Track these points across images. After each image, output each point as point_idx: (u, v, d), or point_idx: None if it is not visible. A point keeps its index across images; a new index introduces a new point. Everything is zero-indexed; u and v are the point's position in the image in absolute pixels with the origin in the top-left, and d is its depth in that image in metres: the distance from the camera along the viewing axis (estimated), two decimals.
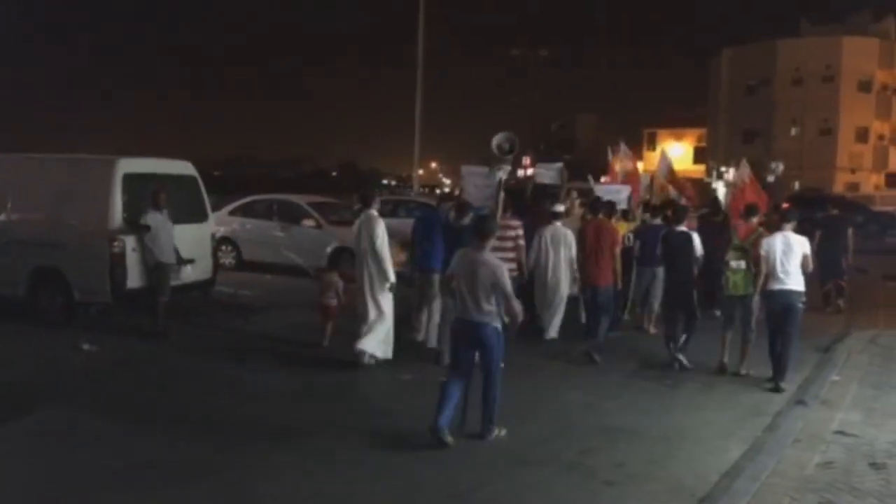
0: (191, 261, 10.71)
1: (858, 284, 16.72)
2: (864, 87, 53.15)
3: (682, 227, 9.68)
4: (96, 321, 10.48)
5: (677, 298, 9.58)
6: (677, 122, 67.70)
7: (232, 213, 17.13)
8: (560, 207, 11.09)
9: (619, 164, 17.06)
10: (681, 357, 9.34)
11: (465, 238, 7.59)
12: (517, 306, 6.60)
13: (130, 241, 10.06)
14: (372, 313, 8.86)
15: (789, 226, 8.77)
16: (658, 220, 11.48)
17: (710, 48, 65.14)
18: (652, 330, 11.24)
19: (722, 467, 6.24)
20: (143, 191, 10.20)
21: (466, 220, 8.82)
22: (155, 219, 10.00)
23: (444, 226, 9.59)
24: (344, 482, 5.78)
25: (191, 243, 10.66)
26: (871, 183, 51.11)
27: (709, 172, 57.66)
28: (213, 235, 11.68)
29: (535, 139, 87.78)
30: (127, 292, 10.13)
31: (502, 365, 6.83)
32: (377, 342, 8.92)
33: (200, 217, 11.32)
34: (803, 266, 8.62)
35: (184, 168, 11.44)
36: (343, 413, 7.37)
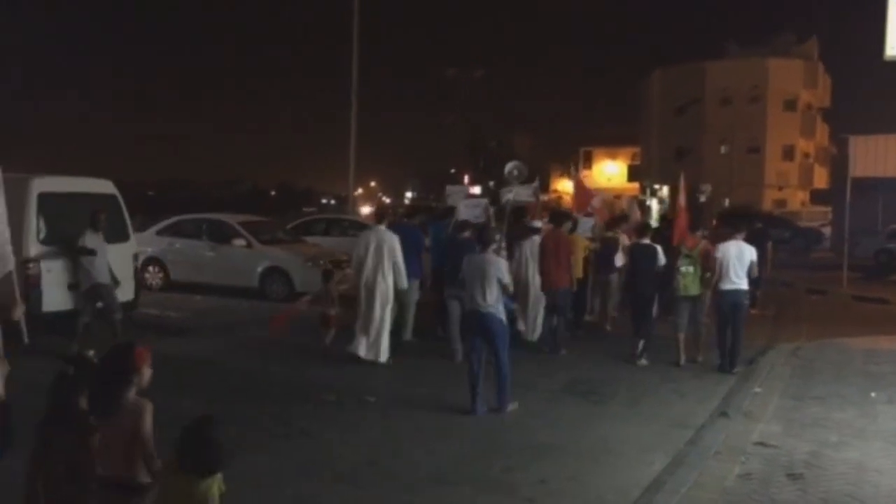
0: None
1: (784, 298, 17.16)
2: (790, 106, 54.86)
3: (646, 241, 10.99)
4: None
5: (637, 303, 10.80)
6: (612, 141, 68.86)
7: (160, 232, 16.73)
8: (538, 223, 12.21)
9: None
10: (643, 361, 10.42)
11: (465, 248, 9.46)
12: (511, 290, 8.42)
13: (46, 264, 9.73)
14: (376, 319, 9.91)
15: (741, 235, 10.31)
16: (611, 234, 12.82)
17: (642, 69, 66.54)
18: (608, 328, 12.61)
19: (644, 481, 6.25)
20: (59, 210, 9.89)
21: (466, 234, 10.53)
22: (93, 240, 9.75)
23: (447, 239, 11.19)
24: None
25: (111, 264, 10.35)
26: (797, 200, 52.64)
27: (643, 190, 58.73)
28: (135, 255, 11.38)
29: (473, 157, 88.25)
30: (42, 315, 9.77)
31: None
32: (381, 346, 9.97)
33: (121, 237, 10.98)
34: (750, 271, 10.04)
35: (103, 187, 11.09)
36: (260, 436, 7.18)
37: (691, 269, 10.22)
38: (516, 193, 14.90)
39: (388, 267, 9.90)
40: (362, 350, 9.95)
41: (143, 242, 16.65)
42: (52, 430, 3.76)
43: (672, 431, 7.60)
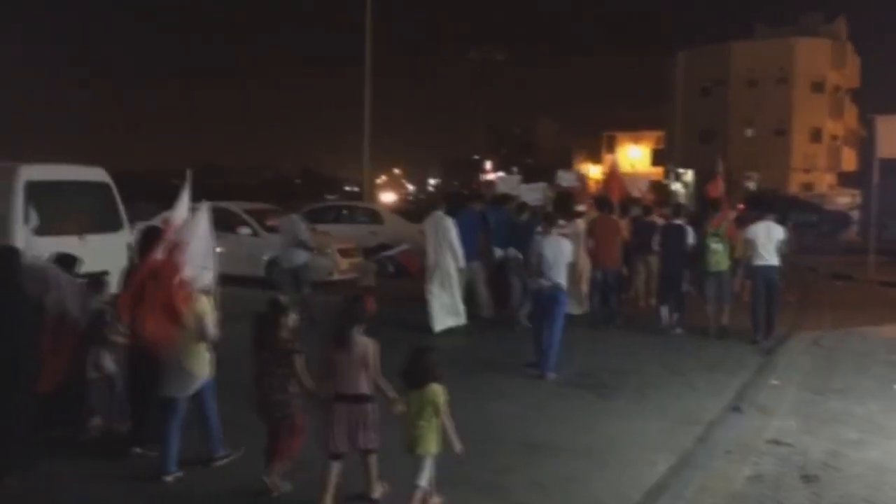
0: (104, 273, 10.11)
1: (807, 283, 16.59)
2: (817, 87, 53.47)
3: (679, 221, 11.80)
4: None
5: (669, 278, 11.61)
6: (635, 125, 67.87)
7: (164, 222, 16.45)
8: (582, 207, 13.50)
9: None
10: (678, 330, 11.38)
11: (525, 230, 10.55)
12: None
13: (34, 254, 9.45)
14: (444, 292, 11.11)
15: (772, 216, 11.05)
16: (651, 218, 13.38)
17: (666, 51, 65.23)
18: (642, 304, 13.45)
19: (646, 484, 5.85)
20: (49, 199, 9.60)
21: (525, 217, 11.66)
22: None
23: (507, 221, 12.13)
24: None
25: (103, 254, 10.04)
26: (824, 182, 51.49)
27: (667, 174, 57.85)
28: (129, 245, 11.08)
29: (496, 144, 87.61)
30: None
31: None
32: (448, 316, 11.16)
33: (114, 226, 10.69)
34: (780, 249, 10.82)
35: (96, 175, 10.80)
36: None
37: (720, 246, 11.09)
38: (560, 178, 16.99)
39: (446, 248, 11.04)
40: (448, 322, 11.12)
41: None
42: (262, 355, 5.43)
43: (680, 428, 7.18)
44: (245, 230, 15.48)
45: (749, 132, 53.43)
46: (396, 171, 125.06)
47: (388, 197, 59.78)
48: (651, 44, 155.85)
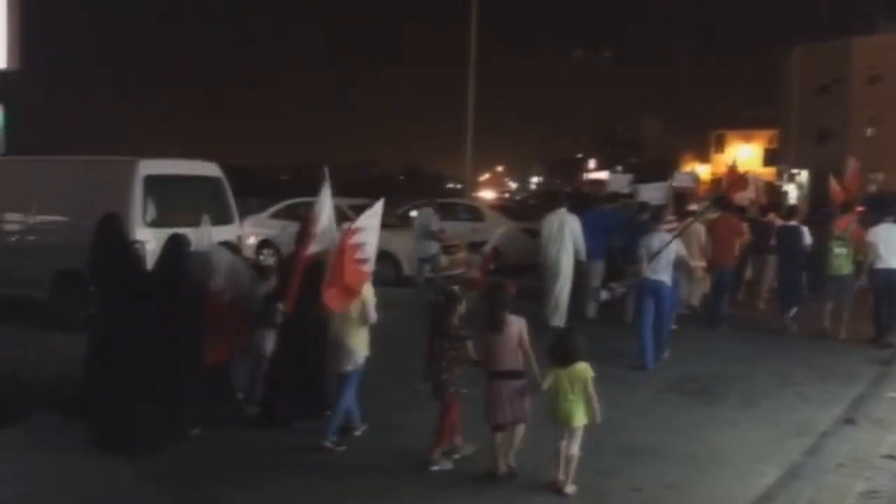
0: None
1: None
2: None
3: (793, 223, 11.86)
4: None
5: (787, 279, 11.64)
6: (746, 124, 65.73)
7: (274, 216, 17.01)
8: (694, 206, 13.64)
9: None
10: (791, 325, 11.32)
11: (642, 228, 10.36)
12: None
13: (152, 245, 9.86)
14: (556, 290, 11.25)
15: (891, 218, 10.86)
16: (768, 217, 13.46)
17: (779, 47, 62.57)
18: (762, 306, 13.23)
19: (751, 495, 5.66)
20: (166, 193, 10.00)
21: (645, 216, 11.47)
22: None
23: (627, 220, 12.40)
24: None
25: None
26: None
27: (780, 175, 55.81)
28: (238, 238, 11.42)
29: (600, 142, 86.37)
30: None
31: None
32: (555, 314, 11.21)
33: (225, 220, 11.03)
34: None
35: (208, 169, 11.20)
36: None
37: (844, 250, 10.96)
38: (678, 179, 17.18)
39: (569, 245, 11.17)
40: (555, 321, 11.05)
41: (258, 225, 16.99)
42: (435, 339, 6.01)
43: (789, 439, 6.91)
44: (348, 225, 15.72)
45: (869, 131, 50.94)
46: (499, 168, 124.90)
47: (488, 194, 59.74)
48: (762, 40, 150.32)
